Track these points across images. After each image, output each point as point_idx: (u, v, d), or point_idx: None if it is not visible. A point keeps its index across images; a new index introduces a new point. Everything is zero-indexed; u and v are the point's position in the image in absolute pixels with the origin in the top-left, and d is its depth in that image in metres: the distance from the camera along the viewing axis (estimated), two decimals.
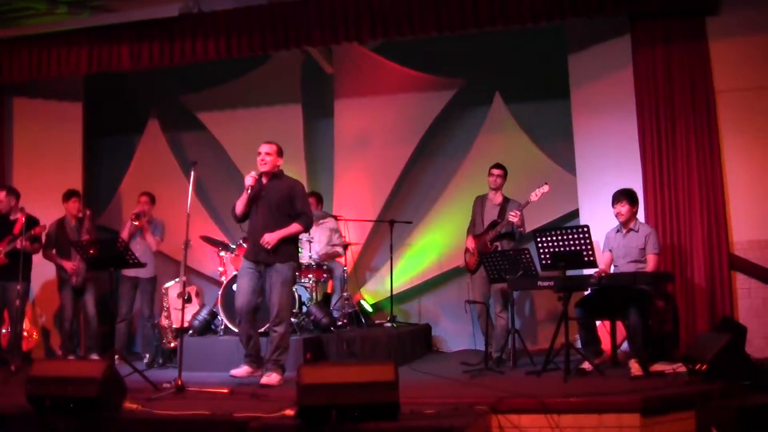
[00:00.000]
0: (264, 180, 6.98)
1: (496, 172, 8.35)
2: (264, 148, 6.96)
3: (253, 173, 6.90)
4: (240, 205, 6.97)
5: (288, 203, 6.95)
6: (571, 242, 6.77)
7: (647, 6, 7.82)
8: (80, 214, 9.02)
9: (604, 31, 8.55)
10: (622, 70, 8.30)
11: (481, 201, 8.49)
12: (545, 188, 7.96)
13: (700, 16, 7.88)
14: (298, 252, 7.53)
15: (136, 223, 8.96)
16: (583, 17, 8.00)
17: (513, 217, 7.98)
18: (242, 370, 6.76)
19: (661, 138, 7.90)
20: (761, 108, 7.72)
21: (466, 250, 8.43)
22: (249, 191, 6.87)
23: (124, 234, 8.84)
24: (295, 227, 6.94)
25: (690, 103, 7.83)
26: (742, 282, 7.65)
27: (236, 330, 7.37)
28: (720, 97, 7.82)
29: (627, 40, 8.25)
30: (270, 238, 6.76)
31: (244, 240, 7.80)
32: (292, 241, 7.06)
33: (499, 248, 8.07)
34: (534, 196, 7.97)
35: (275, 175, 7.03)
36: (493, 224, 8.20)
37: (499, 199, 8.39)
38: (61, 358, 8.69)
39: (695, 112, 7.80)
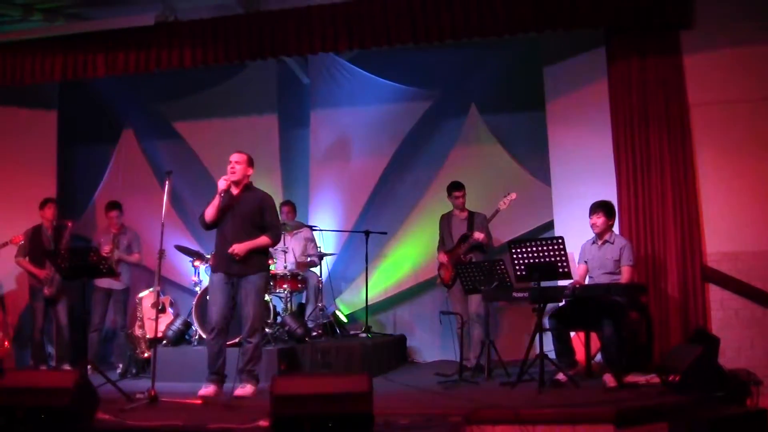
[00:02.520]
0: (235, 192, 6.95)
1: (459, 194, 8.44)
2: (234, 157, 6.95)
3: (225, 177, 6.88)
4: (210, 211, 6.90)
5: (258, 215, 6.94)
6: (546, 254, 6.78)
7: (622, 20, 7.85)
8: (56, 222, 8.96)
9: (579, 44, 8.61)
10: (597, 83, 8.35)
11: (447, 218, 8.59)
12: (512, 196, 8.12)
13: (675, 30, 7.92)
14: (269, 261, 7.56)
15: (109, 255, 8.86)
16: (559, 30, 8.04)
17: (477, 237, 8.10)
18: (210, 390, 6.69)
19: (636, 150, 7.93)
20: (734, 121, 7.77)
21: (441, 265, 8.48)
22: (221, 195, 6.85)
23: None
24: (263, 240, 6.92)
25: (664, 116, 7.86)
26: (714, 293, 7.68)
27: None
28: (693, 110, 7.86)
29: (602, 52, 8.30)
30: (239, 249, 6.74)
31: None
32: (263, 252, 7.07)
33: (473, 260, 8.11)
34: (502, 205, 8.11)
35: (246, 186, 7.02)
36: (464, 237, 8.27)
37: (464, 213, 8.47)
38: (32, 368, 8.60)
39: (669, 125, 7.84)
